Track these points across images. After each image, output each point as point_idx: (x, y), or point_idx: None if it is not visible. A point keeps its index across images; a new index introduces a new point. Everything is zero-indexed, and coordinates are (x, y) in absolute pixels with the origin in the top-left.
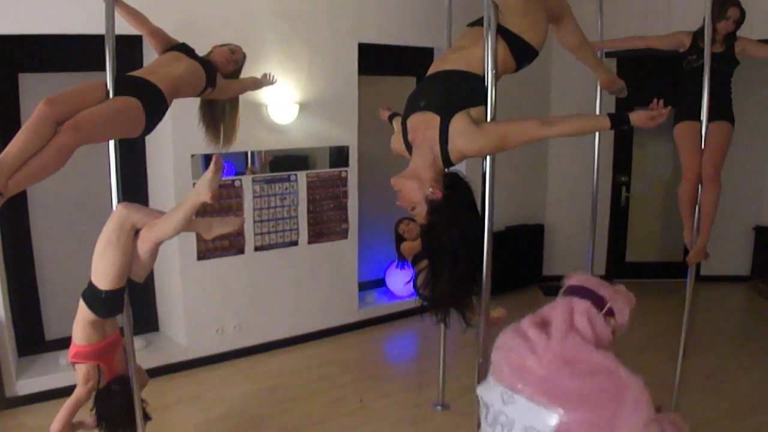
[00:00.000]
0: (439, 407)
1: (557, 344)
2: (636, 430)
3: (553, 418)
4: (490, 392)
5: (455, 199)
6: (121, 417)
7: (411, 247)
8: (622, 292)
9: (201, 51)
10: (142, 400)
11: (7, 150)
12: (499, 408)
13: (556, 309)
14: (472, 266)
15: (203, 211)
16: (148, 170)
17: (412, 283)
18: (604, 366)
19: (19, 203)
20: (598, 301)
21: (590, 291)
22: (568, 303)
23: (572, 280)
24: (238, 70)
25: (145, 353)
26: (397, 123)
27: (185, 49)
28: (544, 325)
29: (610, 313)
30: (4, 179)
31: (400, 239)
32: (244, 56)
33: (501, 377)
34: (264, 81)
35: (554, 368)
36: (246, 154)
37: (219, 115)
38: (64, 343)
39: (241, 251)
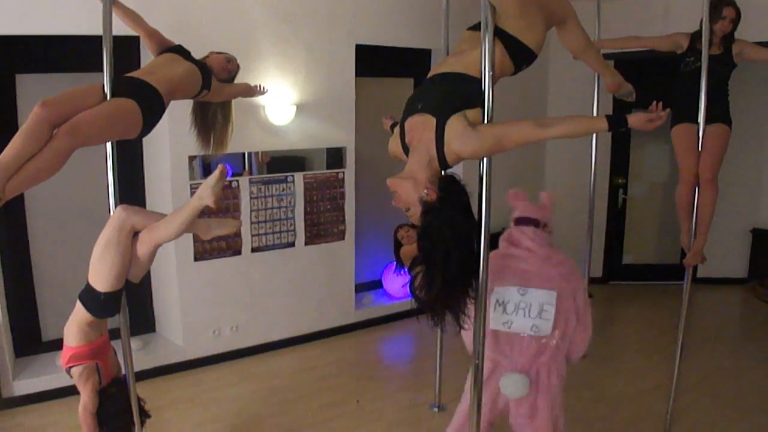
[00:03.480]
0: (435, 408)
1: (537, 253)
2: (583, 291)
3: (554, 294)
4: (506, 293)
5: (450, 201)
6: (121, 419)
7: (411, 250)
8: (546, 206)
9: (198, 53)
10: (140, 399)
11: (4, 153)
12: (517, 299)
13: (523, 235)
14: (465, 269)
15: (200, 212)
16: (145, 172)
17: (408, 286)
18: (561, 259)
19: (16, 204)
20: (538, 223)
21: (533, 219)
22: (524, 231)
23: (517, 214)
24: (231, 80)
25: (142, 354)
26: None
27: (181, 51)
28: (515, 245)
29: (545, 226)
30: (1, 183)
31: (398, 245)
32: (238, 67)
33: (512, 281)
34: (255, 91)
35: (541, 265)
36: (243, 155)
37: (210, 120)
38: (61, 343)
39: (238, 252)
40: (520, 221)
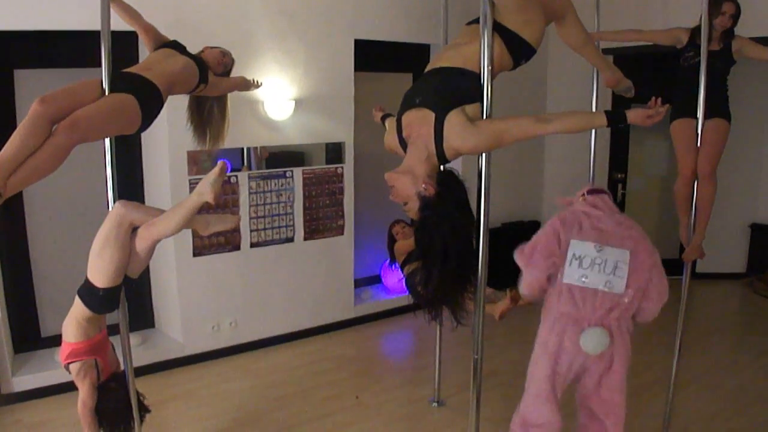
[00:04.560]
0: (434, 403)
1: (612, 215)
2: (651, 251)
3: (627, 253)
4: (582, 247)
5: (448, 196)
6: (120, 414)
7: (404, 246)
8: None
9: (196, 48)
10: (140, 394)
11: (4, 151)
12: (594, 255)
13: (600, 200)
14: (462, 264)
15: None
16: (144, 167)
17: (404, 281)
18: (630, 222)
19: (15, 200)
20: (608, 193)
21: (602, 190)
22: (601, 197)
23: (589, 187)
24: (226, 74)
25: (141, 350)
26: (390, 122)
27: (177, 47)
28: (594, 206)
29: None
30: (2, 180)
31: (393, 241)
32: (232, 61)
33: (588, 237)
34: (251, 84)
35: (616, 226)
36: (242, 150)
37: (206, 115)
38: (60, 339)
39: (237, 248)
40: (593, 191)
